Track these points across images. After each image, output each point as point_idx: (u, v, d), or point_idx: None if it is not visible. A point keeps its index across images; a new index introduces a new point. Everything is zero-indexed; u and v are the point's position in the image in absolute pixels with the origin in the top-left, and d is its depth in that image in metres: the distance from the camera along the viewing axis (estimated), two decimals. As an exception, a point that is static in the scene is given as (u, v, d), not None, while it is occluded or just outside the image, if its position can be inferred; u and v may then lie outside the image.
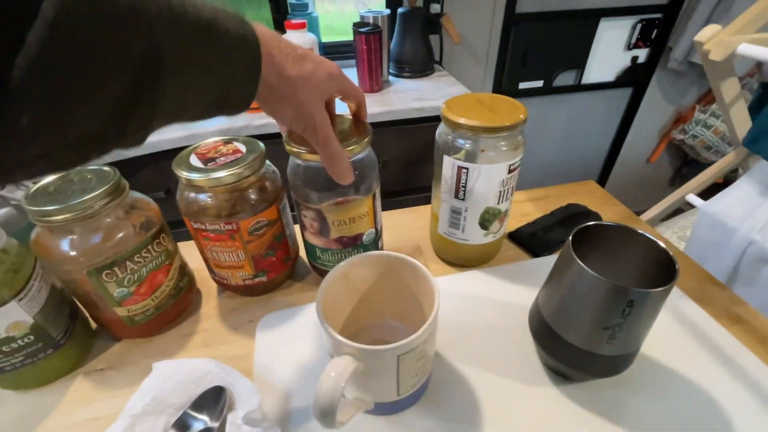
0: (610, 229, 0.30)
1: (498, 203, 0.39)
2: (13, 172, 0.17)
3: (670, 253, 0.27)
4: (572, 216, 0.54)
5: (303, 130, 0.29)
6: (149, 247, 0.36)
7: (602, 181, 1.91)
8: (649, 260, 0.28)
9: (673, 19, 1.44)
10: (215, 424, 0.30)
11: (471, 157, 0.37)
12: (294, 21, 0.94)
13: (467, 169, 0.37)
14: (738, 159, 0.78)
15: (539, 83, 1.51)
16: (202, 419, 0.31)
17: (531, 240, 0.50)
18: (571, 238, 0.28)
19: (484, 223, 0.41)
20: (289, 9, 1.17)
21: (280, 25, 1.23)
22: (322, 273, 0.44)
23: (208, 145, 0.38)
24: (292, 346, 0.38)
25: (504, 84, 1.46)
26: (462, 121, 0.35)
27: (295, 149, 0.34)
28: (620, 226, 0.30)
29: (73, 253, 0.32)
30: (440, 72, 1.24)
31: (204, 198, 0.35)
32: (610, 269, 0.31)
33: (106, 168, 0.35)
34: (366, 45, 1.00)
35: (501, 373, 0.35)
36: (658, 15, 1.43)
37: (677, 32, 1.45)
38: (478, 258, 0.46)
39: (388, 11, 1.08)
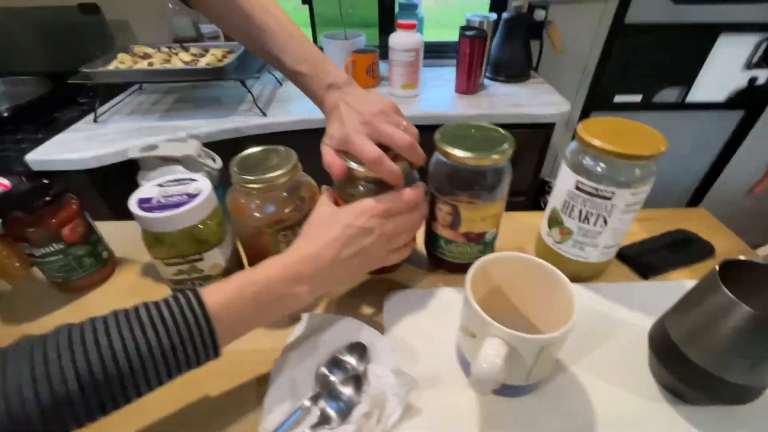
0: (761, 268, 0.31)
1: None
2: None
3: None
4: (682, 241, 0.54)
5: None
6: (311, 219, 0.43)
7: (691, 206, 1.78)
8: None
9: (808, 39, 1.30)
10: (358, 371, 0.37)
11: (596, 178, 0.39)
12: (405, 21, 1.00)
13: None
14: None
15: (637, 98, 1.44)
16: (347, 365, 0.37)
17: (638, 259, 0.51)
18: (717, 268, 0.30)
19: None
20: (397, 8, 1.22)
21: (387, 24, 1.29)
22: (438, 261, 0.49)
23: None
24: (418, 321, 0.43)
25: (598, 95, 1.41)
26: (598, 143, 0.38)
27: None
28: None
29: (257, 215, 0.40)
30: (535, 79, 1.23)
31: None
32: (752, 305, 0.32)
33: (291, 150, 0.42)
34: (470, 49, 1.03)
35: (613, 382, 0.37)
36: (791, 34, 1.30)
37: (811, 54, 1.31)
38: (581, 274, 0.48)
39: (494, 16, 1.09)
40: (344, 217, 0.36)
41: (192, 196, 0.37)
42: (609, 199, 0.40)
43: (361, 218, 0.36)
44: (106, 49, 1.19)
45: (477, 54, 1.04)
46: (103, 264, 0.49)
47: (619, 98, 1.43)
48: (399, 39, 1.01)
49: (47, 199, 0.42)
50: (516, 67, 1.18)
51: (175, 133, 0.91)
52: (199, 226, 0.38)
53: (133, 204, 0.36)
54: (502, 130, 0.42)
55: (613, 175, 0.39)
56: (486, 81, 1.20)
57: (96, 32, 1.15)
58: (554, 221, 0.46)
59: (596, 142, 0.38)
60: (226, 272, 0.42)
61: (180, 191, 0.38)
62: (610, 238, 0.43)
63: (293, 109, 1.02)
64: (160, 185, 0.39)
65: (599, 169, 0.39)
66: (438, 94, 1.12)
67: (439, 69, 1.28)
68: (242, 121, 0.96)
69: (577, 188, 0.41)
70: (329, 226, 0.36)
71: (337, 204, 0.39)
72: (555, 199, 0.45)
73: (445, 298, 0.46)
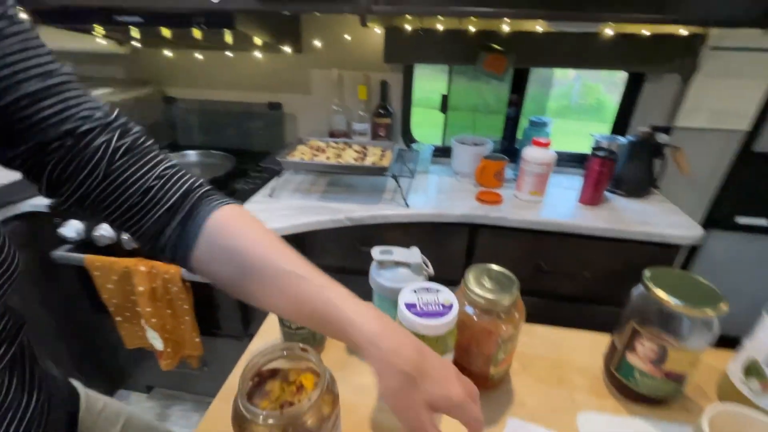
0: None
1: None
2: None
3: None
4: None
5: None
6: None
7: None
8: None
9: None
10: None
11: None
12: (541, 139, 1.12)
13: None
14: None
15: (762, 221, 1.40)
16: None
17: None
18: None
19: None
20: (521, 122, 1.38)
21: (510, 132, 1.45)
22: (624, 389, 0.53)
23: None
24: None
25: (720, 215, 1.40)
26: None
27: None
28: None
29: (503, 328, 0.48)
30: (656, 195, 1.27)
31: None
32: None
33: (513, 276, 0.51)
34: (599, 167, 1.11)
35: None
36: None
37: None
38: None
39: (622, 139, 1.19)
40: None
41: (446, 307, 0.47)
42: (828, 366, 0.42)
43: None
44: (277, 134, 1.47)
45: (605, 173, 1.12)
46: (322, 340, 0.60)
47: (742, 219, 1.40)
48: (534, 153, 1.13)
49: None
50: (637, 184, 1.23)
51: (336, 214, 1.07)
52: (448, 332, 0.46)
53: (403, 309, 0.46)
54: (709, 283, 0.48)
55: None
56: (606, 193, 1.26)
57: (273, 123, 1.44)
58: (754, 371, 0.48)
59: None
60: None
61: (433, 300, 0.48)
62: (822, 402, 0.45)
63: (427, 202, 1.15)
64: (415, 291, 0.49)
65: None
66: (561, 201, 1.20)
67: (556, 176, 1.37)
68: (389, 209, 1.11)
69: (788, 349, 0.44)
70: None
71: None
72: (755, 350, 0.48)
73: (637, 426, 0.49)
